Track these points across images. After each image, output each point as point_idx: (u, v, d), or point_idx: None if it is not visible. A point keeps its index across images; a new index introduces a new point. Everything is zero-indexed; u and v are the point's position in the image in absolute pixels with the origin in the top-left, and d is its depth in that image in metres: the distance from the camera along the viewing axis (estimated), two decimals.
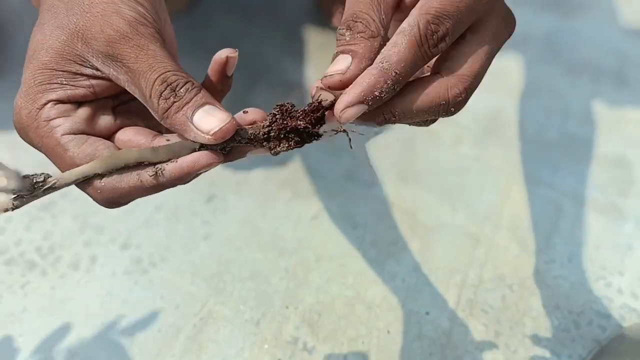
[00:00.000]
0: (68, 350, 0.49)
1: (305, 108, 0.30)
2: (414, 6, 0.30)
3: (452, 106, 0.30)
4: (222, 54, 0.32)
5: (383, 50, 0.28)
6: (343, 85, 0.29)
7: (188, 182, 0.31)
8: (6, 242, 0.56)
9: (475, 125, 0.75)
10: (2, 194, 0.28)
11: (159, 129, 0.34)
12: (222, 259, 0.57)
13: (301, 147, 0.31)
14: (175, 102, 0.29)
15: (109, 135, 0.33)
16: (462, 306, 0.56)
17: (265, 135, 0.30)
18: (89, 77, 0.31)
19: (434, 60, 0.32)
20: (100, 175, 0.31)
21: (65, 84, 0.30)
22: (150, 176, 0.30)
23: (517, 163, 0.71)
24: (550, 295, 0.58)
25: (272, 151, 0.31)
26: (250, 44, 0.82)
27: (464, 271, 0.59)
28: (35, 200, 0.30)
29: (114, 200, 0.31)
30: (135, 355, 0.50)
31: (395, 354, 0.52)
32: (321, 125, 0.30)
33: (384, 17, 0.30)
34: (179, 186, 0.31)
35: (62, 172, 0.30)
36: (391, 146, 0.70)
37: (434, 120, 0.33)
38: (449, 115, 0.31)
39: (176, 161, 0.30)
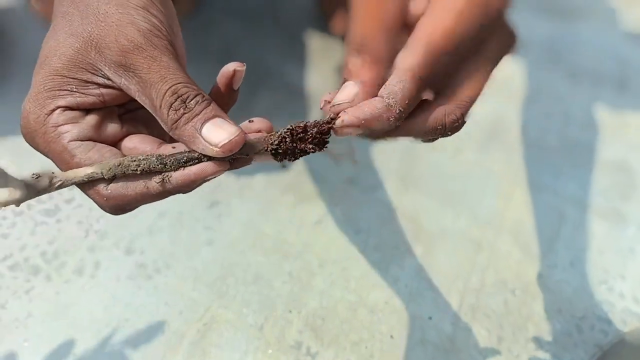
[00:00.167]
0: (72, 356, 0.49)
1: (315, 130, 0.30)
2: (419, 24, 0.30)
3: (448, 130, 0.31)
4: (230, 67, 0.32)
5: (389, 81, 0.29)
6: None
7: (193, 189, 0.31)
8: (11, 247, 0.56)
9: (477, 131, 0.75)
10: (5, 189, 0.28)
11: (164, 137, 0.34)
12: (225, 264, 0.57)
13: (305, 156, 0.31)
14: (185, 113, 0.29)
15: (115, 143, 0.33)
16: (464, 311, 0.56)
17: (273, 152, 0.31)
18: (100, 85, 0.31)
19: None
20: (106, 182, 0.31)
21: (75, 91, 0.31)
22: (157, 183, 0.30)
23: (518, 168, 0.71)
24: (552, 300, 0.58)
25: (278, 161, 0.31)
26: (252, 49, 0.82)
27: (466, 276, 0.59)
28: (36, 203, 0.30)
29: (120, 207, 0.32)
30: None
31: (399, 358, 0.52)
32: (326, 146, 0.31)
33: (391, 39, 0.30)
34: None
35: None
36: (393, 151, 0.70)
37: (432, 140, 0.34)
38: (445, 137, 0.32)
39: (184, 168, 0.30)
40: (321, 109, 0.31)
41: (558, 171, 0.71)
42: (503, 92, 0.82)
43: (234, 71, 0.32)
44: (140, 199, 0.31)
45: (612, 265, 0.62)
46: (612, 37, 0.94)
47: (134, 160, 0.30)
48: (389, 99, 0.28)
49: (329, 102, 0.30)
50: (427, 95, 0.31)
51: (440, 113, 0.30)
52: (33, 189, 0.29)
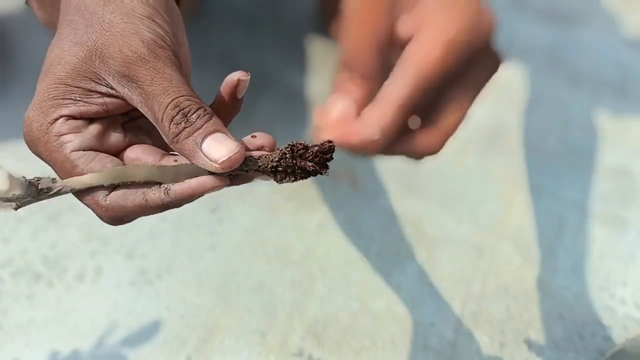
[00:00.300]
0: None
1: (316, 148, 0.30)
2: (406, 42, 0.30)
3: (427, 155, 0.31)
4: (234, 76, 0.32)
5: (377, 110, 0.28)
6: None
7: (191, 201, 0.31)
8: (12, 253, 0.56)
9: (478, 136, 0.75)
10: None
11: (167, 147, 0.34)
12: (227, 269, 0.57)
13: (306, 179, 0.31)
14: (186, 127, 0.29)
15: (117, 152, 0.33)
16: (466, 317, 0.56)
17: (273, 169, 0.30)
18: (103, 94, 0.31)
19: None
20: (106, 191, 0.31)
21: (78, 100, 0.31)
22: (156, 195, 0.30)
23: (519, 174, 0.71)
24: (554, 306, 0.58)
25: (278, 181, 0.31)
26: (253, 54, 0.82)
27: (468, 282, 0.59)
28: (38, 209, 0.30)
29: (119, 218, 0.32)
30: None
31: None
32: (328, 167, 0.30)
33: (381, 56, 0.30)
34: None
35: None
36: (394, 157, 0.70)
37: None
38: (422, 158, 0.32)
39: (183, 181, 0.30)
40: (315, 137, 0.31)
41: (558, 176, 0.71)
42: (504, 97, 0.82)
43: (238, 80, 0.32)
44: (139, 211, 0.31)
45: (613, 271, 0.62)
46: (613, 42, 0.94)
47: (135, 170, 0.30)
48: (375, 128, 0.28)
49: (322, 117, 0.30)
50: (413, 123, 0.31)
51: (422, 138, 0.30)
52: (32, 191, 0.29)
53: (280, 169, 0.30)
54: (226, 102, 0.33)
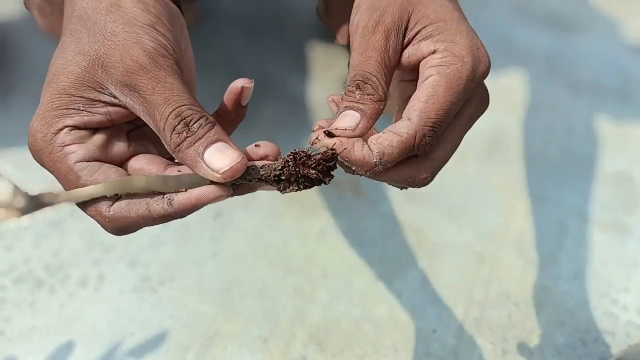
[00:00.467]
0: None
1: (319, 156, 0.30)
2: (412, 67, 0.32)
3: (417, 184, 0.32)
4: (238, 83, 0.32)
5: (382, 140, 0.30)
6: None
7: (195, 211, 0.31)
8: (15, 260, 0.56)
9: (479, 144, 0.76)
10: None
11: (172, 156, 0.34)
12: (229, 276, 0.57)
13: (310, 188, 0.31)
14: (187, 137, 0.29)
15: (122, 162, 0.33)
16: (468, 324, 0.56)
17: (276, 178, 0.30)
18: (107, 104, 0.31)
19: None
20: (109, 202, 0.31)
21: (82, 110, 0.31)
22: (159, 205, 0.30)
23: (520, 181, 0.71)
24: (556, 312, 0.58)
25: (281, 191, 0.31)
26: (255, 60, 0.83)
27: (470, 288, 0.59)
28: (40, 216, 0.30)
29: (122, 229, 0.32)
30: None
31: None
32: (332, 177, 0.30)
33: (388, 79, 0.31)
34: None
35: None
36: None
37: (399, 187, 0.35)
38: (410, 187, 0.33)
39: (186, 191, 0.30)
40: (313, 131, 0.31)
41: (560, 183, 0.71)
42: (504, 104, 0.82)
43: (242, 87, 0.33)
44: (142, 222, 0.31)
45: (616, 278, 0.62)
46: (613, 49, 0.94)
47: (137, 181, 0.30)
48: (376, 157, 0.29)
49: (323, 128, 0.31)
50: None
51: (413, 168, 0.32)
52: (36, 201, 0.29)
53: (283, 177, 0.30)
54: (230, 109, 0.33)
